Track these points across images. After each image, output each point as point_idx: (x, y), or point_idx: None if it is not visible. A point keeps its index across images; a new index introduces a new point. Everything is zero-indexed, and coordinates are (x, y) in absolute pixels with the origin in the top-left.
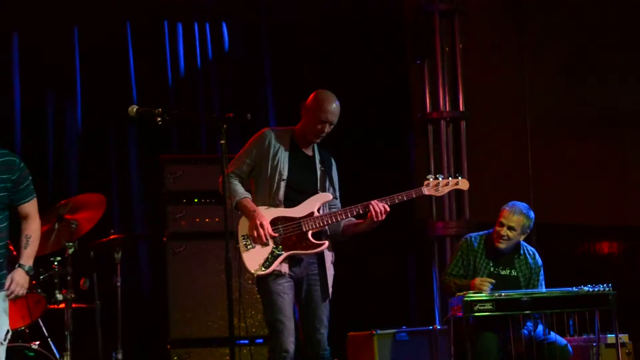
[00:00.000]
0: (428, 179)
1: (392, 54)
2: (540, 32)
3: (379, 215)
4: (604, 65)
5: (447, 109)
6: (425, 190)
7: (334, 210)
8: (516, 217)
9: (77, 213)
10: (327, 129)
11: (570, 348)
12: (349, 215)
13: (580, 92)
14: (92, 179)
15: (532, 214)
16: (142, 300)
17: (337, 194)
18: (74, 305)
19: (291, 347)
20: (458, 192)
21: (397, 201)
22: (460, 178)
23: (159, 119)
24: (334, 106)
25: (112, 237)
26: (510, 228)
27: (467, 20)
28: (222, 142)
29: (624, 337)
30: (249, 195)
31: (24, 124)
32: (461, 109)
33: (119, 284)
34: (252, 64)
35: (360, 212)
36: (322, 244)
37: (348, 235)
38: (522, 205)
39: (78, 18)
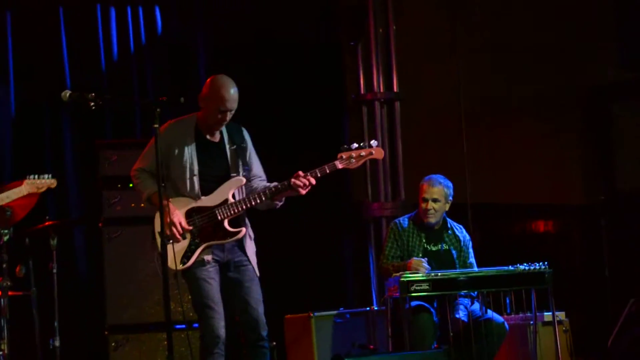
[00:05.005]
0: (341, 152)
1: (325, 36)
2: (474, 13)
3: (304, 188)
4: (538, 46)
5: (381, 90)
6: (339, 164)
7: (254, 188)
8: (436, 188)
9: (12, 200)
10: (229, 116)
11: (507, 326)
12: (263, 198)
13: (514, 73)
14: (26, 165)
15: (449, 183)
16: (79, 286)
17: (256, 166)
18: (10, 293)
19: (222, 331)
20: (393, 174)
21: (316, 176)
22: (374, 147)
23: (92, 103)
24: (232, 93)
25: (47, 223)
26: (434, 200)
27: (400, 2)
28: (155, 126)
29: (561, 315)
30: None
31: None
32: (395, 90)
33: (55, 270)
34: (185, 47)
35: (274, 195)
36: (239, 232)
37: (281, 200)
38: (438, 176)
39: (10, 3)
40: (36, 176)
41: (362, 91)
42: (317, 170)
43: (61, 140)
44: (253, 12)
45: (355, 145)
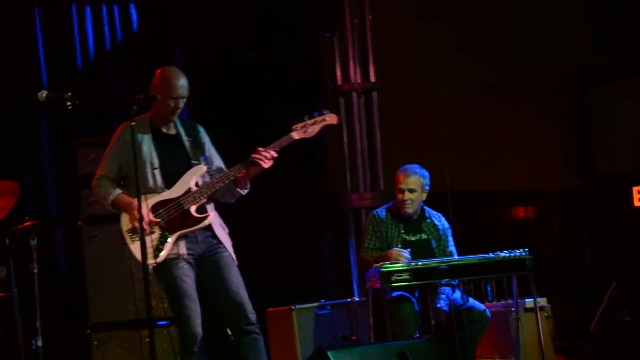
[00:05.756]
0: (295, 124)
1: (301, 27)
2: (452, 1)
3: (265, 161)
4: (515, 32)
5: (358, 81)
6: (295, 135)
7: (216, 177)
8: (412, 178)
9: None
10: (181, 104)
11: (488, 313)
12: (225, 181)
13: (492, 60)
14: (3, 166)
15: (425, 172)
16: (60, 285)
17: (217, 160)
18: None
19: (199, 329)
20: (372, 164)
21: (276, 149)
22: (326, 113)
23: (69, 103)
24: (182, 81)
25: (26, 223)
26: (410, 191)
27: None
28: (132, 123)
29: (543, 301)
30: (123, 191)
31: None
32: (372, 80)
33: (35, 270)
34: (161, 43)
35: (237, 174)
36: (206, 216)
37: (246, 187)
38: (413, 166)
39: None
40: None
41: (339, 82)
42: (274, 144)
43: (39, 139)
44: (228, 6)
45: (307, 116)
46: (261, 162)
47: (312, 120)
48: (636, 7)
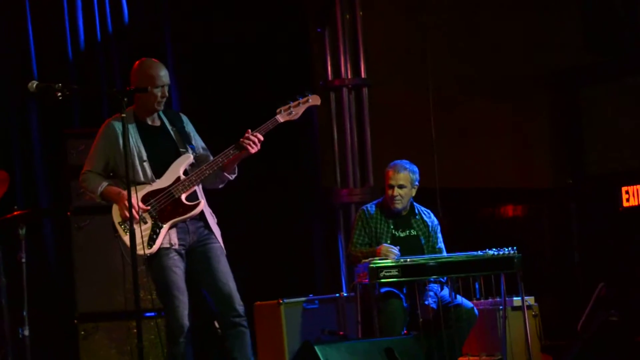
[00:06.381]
0: (279, 108)
1: (293, 22)
2: None
3: (254, 146)
4: (506, 30)
5: (349, 77)
6: (280, 118)
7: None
8: (402, 174)
9: None
10: (167, 91)
11: (476, 311)
12: (214, 167)
13: (482, 57)
14: None
15: (415, 167)
16: (48, 275)
17: (201, 145)
18: None
19: (187, 320)
20: (362, 160)
21: (262, 133)
22: (309, 95)
23: (59, 94)
24: (163, 69)
25: (15, 213)
26: (400, 187)
27: None
28: (123, 115)
29: (530, 300)
30: (112, 182)
31: None
32: (363, 76)
33: (24, 260)
34: (152, 36)
35: (226, 159)
36: (197, 204)
37: (234, 171)
38: (403, 162)
39: None
40: None
41: (329, 77)
42: (260, 128)
43: (29, 130)
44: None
45: (292, 100)
46: (249, 147)
47: (295, 103)
48: (626, 7)
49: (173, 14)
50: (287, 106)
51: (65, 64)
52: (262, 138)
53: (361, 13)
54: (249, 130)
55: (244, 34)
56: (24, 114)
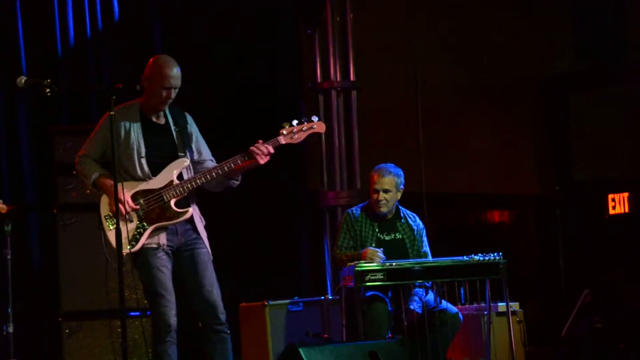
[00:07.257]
0: (283, 127)
1: (283, 23)
2: (432, 3)
3: (264, 157)
4: (494, 37)
5: (338, 79)
6: (282, 140)
7: (203, 169)
8: (387, 178)
9: None
10: (173, 94)
11: (461, 316)
12: (214, 175)
13: (472, 62)
14: None
15: (400, 171)
16: (33, 272)
17: (205, 149)
18: None
19: (174, 320)
20: (349, 163)
21: (274, 147)
22: (315, 121)
23: (48, 90)
24: (175, 70)
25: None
26: (385, 191)
27: None
28: (111, 112)
29: (515, 305)
30: (107, 172)
31: None
32: (352, 79)
33: (9, 256)
34: (142, 34)
35: (234, 166)
36: (186, 212)
37: (238, 179)
38: (388, 166)
39: None
40: None
41: (318, 80)
42: (271, 142)
43: (16, 125)
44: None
45: (296, 121)
46: (258, 157)
47: (299, 126)
48: (616, 16)
49: (163, 11)
50: (290, 127)
51: (54, 60)
52: (272, 151)
53: (352, 15)
54: (260, 141)
55: (234, 33)
56: (12, 109)
